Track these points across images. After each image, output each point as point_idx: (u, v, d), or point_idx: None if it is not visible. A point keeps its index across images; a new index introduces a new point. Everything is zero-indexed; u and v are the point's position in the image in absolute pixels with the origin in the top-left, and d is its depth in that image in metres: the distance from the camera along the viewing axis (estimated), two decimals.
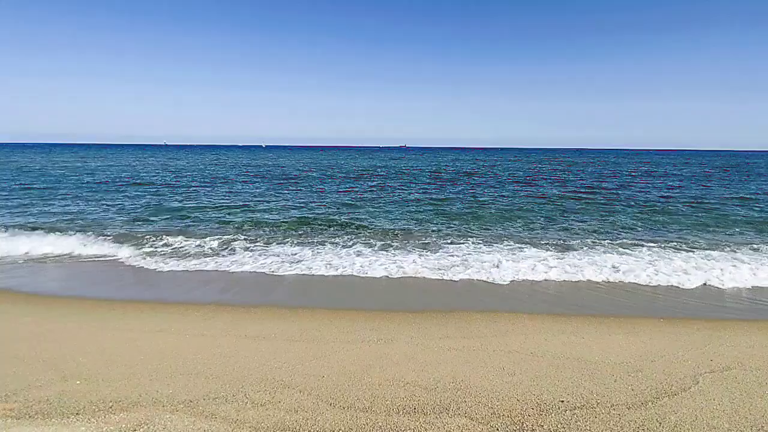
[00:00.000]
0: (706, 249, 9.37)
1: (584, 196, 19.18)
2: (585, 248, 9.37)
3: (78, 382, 3.67)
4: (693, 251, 9.14)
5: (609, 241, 10.03)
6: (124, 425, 3.05)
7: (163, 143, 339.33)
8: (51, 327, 4.99)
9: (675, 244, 9.90)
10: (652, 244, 9.72)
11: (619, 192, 20.81)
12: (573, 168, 41.61)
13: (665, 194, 19.91)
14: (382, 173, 33.03)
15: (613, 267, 7.84)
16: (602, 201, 17.40)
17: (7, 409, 3.23)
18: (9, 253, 8.68)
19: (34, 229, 10.77)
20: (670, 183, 25.88)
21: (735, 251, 9.12)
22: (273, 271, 7.72)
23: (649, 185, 24.43)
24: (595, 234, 11.03)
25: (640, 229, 11.85)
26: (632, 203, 16.79)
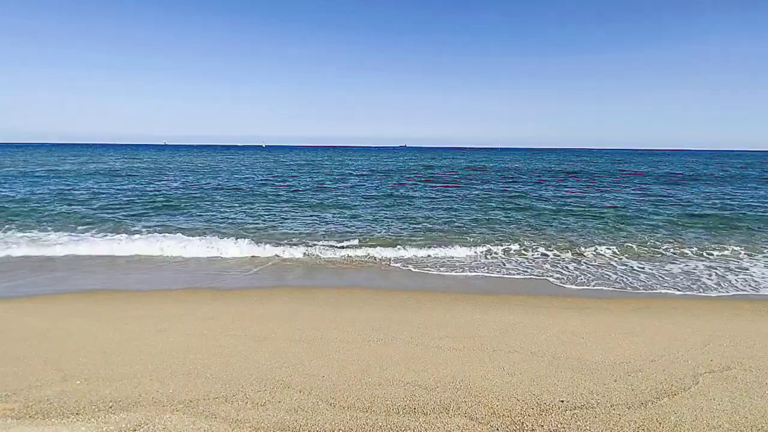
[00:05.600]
0: None
1: None
2: None
3: (78, 382, 3.67)
4: None
5: None
6: (124, 425, 3.06)
7: (163, 143, 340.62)
8: (52, 326, 5.00)
9: None
10: None
11: None
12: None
13: None
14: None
15: None
16: None
17: (7, 409, 3.24)
18: None
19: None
20: None
21: None
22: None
23: None
24: None
25: None
26: None
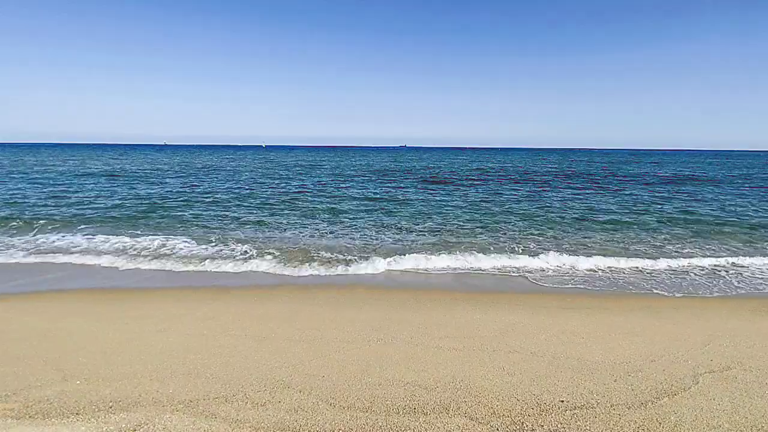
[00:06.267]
0: None
1: None
2: None
3: (78, 382, 3.68)
4: None
5: None
6: (124, 425, 3.06)
7: (162, 143, 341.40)
8: (52, 326, 5.00)
9: None
10: None
11: None
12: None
13: None
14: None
15: None
16: None
17: (7, 409, 3.24)
18: None
19: None
20: None
21: None
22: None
23: None
24: None
25: None
26: None
